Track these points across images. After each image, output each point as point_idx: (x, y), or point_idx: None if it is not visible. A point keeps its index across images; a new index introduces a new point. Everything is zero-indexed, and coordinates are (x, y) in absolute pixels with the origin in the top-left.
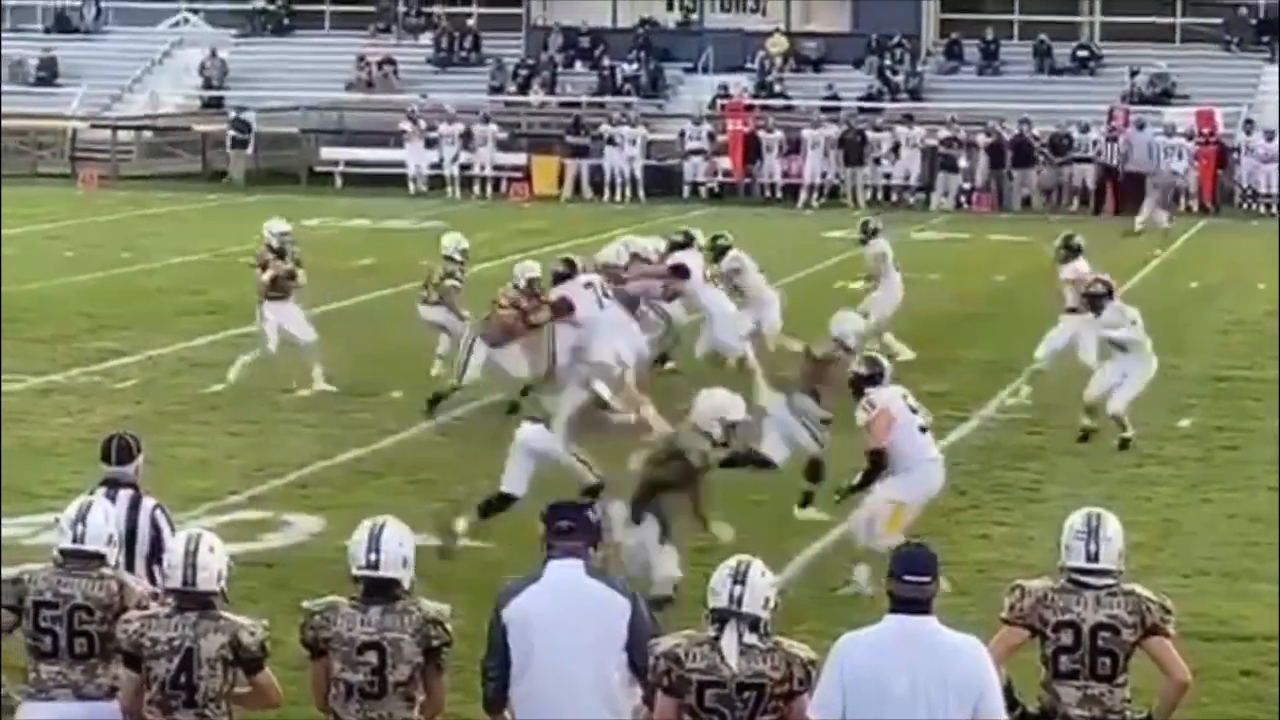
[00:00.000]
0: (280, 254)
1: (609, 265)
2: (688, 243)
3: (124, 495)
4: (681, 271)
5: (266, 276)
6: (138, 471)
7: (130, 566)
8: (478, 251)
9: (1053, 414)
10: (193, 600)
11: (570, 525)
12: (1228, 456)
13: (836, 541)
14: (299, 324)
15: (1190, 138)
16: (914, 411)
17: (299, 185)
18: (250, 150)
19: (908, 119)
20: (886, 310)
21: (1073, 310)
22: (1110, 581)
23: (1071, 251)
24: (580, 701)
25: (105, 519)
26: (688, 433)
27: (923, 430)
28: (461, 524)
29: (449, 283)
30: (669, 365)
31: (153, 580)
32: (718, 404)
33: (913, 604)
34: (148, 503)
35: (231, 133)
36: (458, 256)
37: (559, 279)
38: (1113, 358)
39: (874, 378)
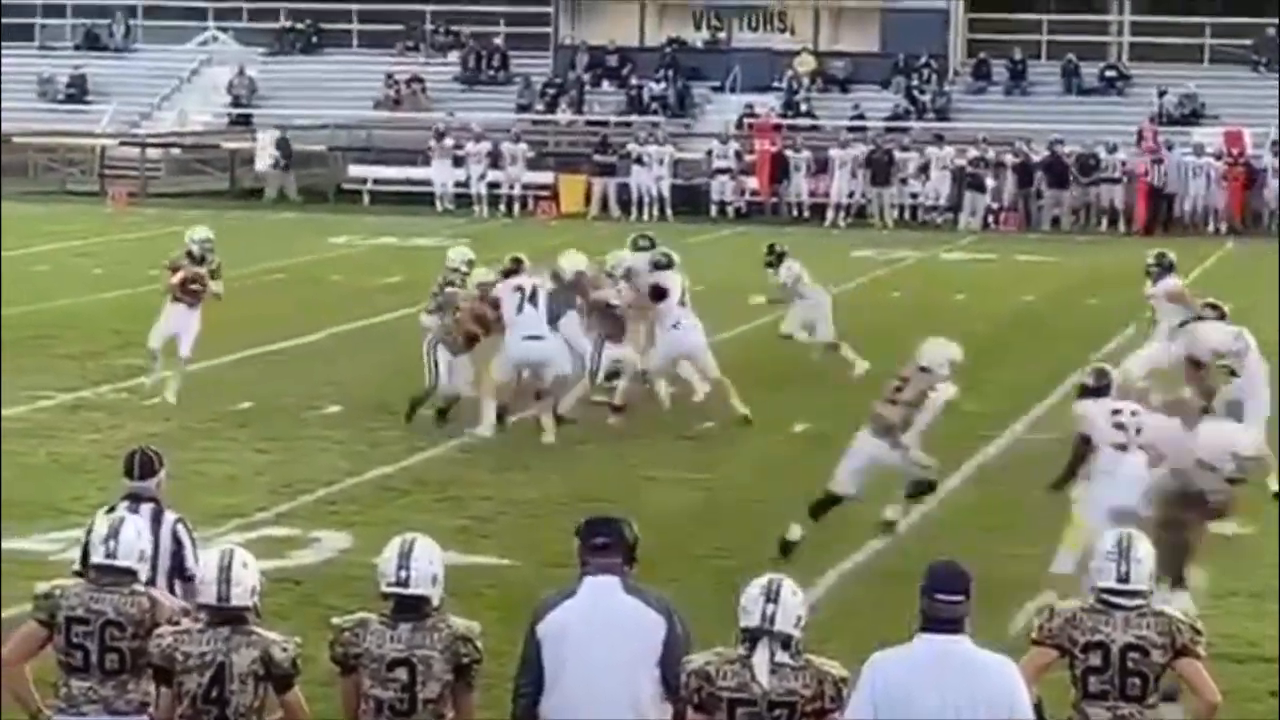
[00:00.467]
0: (199, 261)
1: (581, 274)
2: (669, 264)
3: (146, 510)
4: (658, 294)
5: (176, 279)
6: (160, 486)
7: (152, 581)
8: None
9: None
10: (226, 616)
11: (606, 541)
12: (1253, 478)
13: (860, 562)
14: (189, 335)
15: (1219, 158)
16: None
17: (326, 203)
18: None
19: (935, 139)
20: (827, 324)
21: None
22: (1140, 602)
23: (1164, 269)
24: (611, 718)
25: (137, 535)
26: (1198, 471)
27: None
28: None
29: (448, 290)
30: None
31: (174, 594)
32: (1227, 437)
33: (945, 623)
34: (169, 517)
35: (275, 153)
36: (463, 269)
37: (505, 275)
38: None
39: (1099, 390)
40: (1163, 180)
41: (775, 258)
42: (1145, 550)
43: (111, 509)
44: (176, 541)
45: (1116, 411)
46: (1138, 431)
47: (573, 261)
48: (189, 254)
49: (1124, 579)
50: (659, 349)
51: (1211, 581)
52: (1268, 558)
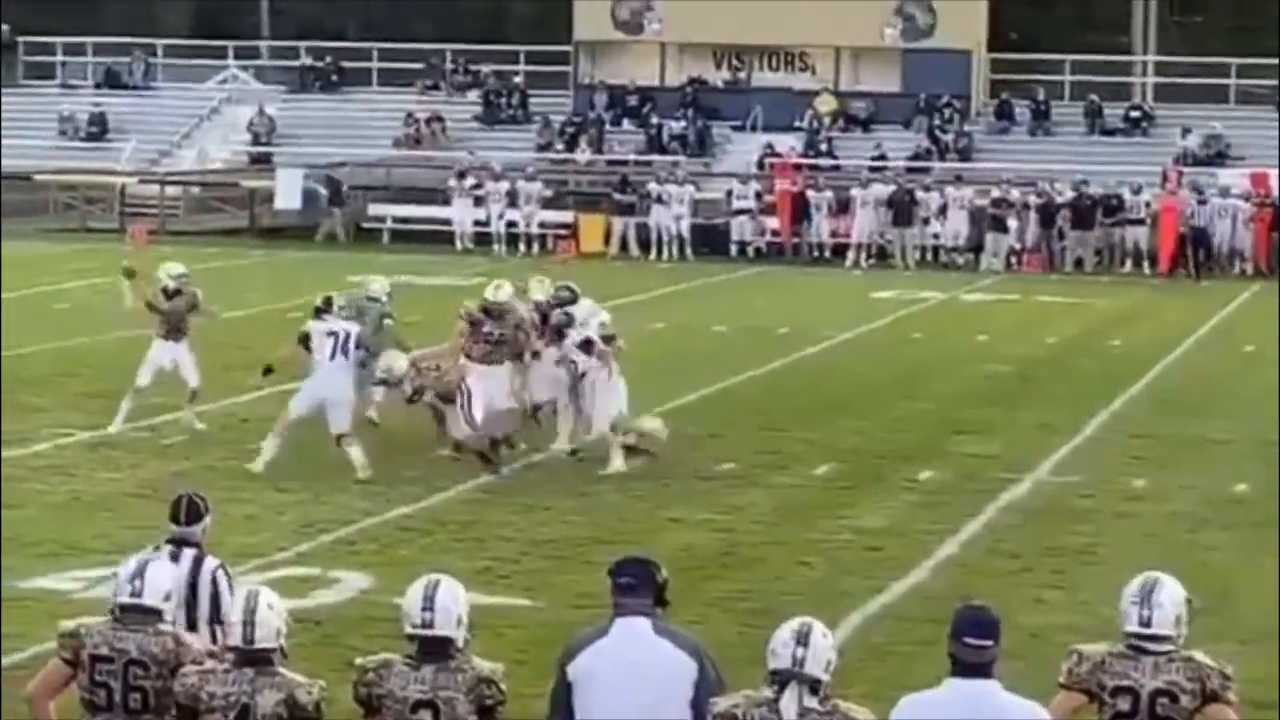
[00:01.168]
0: (174, 295)
1: (494, 303)
2: (572, 300)
3: (188, 555)
4: (559, 335)
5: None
6: (205, 532)
7: (192, 626)
8: None
9: (1104, 477)
10: (251, 657)
11: (636, 582)
12: None
13: (885, 604)
14: (188, 365)
15: (1246, 199)
16: None
17: (346, 241)
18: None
19: (957, 179)
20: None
21: None
22: (1169, 647)
23: None
24: None
25: (163, 575)
26: None
27: None
28: None
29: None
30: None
31: (214, 641)
32: None
33: (974, 667)
34: (210, 563)
35: (324, 192)
36: (383, 298)
37: (316, 314)
38: None
39: None
40: (1198, 222)
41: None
42: (1169, 594)
43: (154, 551)
44: (214, 586)
45: None
46: None
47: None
48: (163, 290)
49: (1146, 623)
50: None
51: (1239, 626)
52: (1266, 602)
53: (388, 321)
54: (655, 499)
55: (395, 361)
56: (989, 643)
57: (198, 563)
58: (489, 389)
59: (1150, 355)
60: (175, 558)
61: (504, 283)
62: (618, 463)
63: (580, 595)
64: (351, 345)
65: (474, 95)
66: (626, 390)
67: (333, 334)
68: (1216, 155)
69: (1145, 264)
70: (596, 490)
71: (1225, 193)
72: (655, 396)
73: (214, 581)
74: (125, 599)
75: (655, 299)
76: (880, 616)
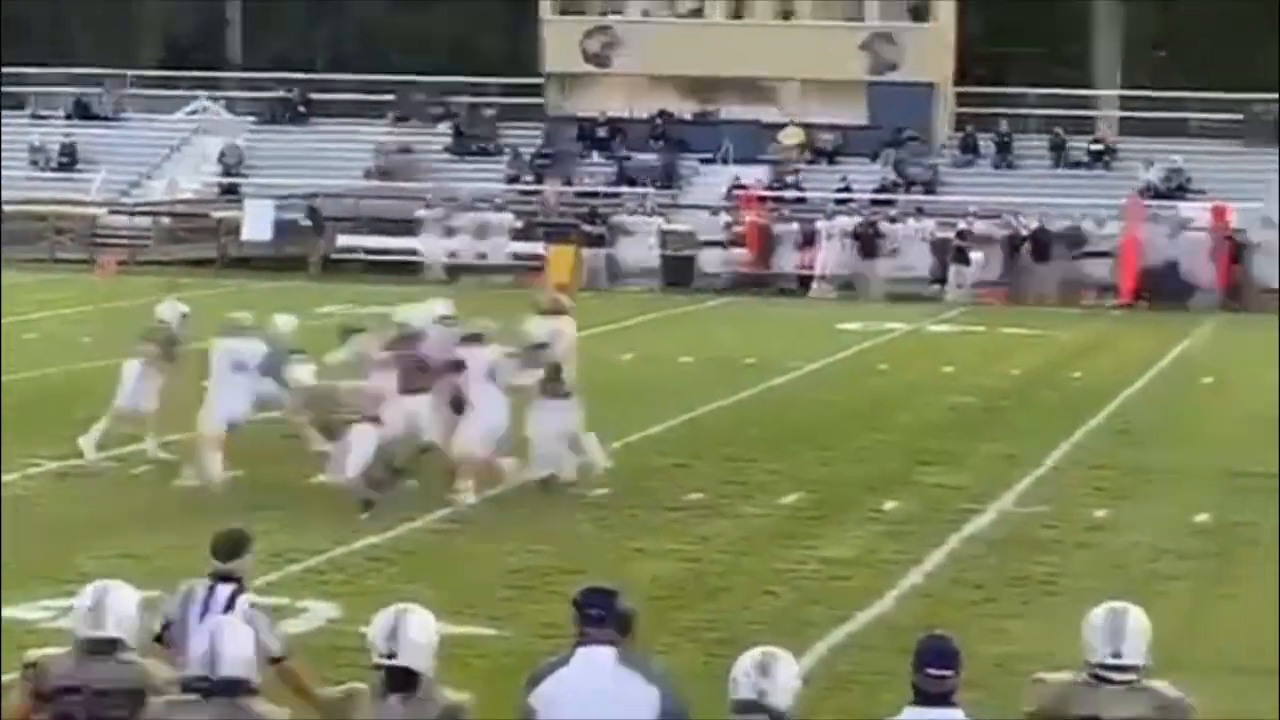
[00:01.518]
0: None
1: (406, 328)
2: (477, 338)
3: (223, 591)
4: (459, 366)
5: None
6: (248, 569)
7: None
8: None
9: (1066, 508)
10: (219, 687)
11: (599, 612)
12: (1246, 553)
13: (851, 634)
14: (149, 394)
15: (1206, 232)
16: None
17: (316, 273)
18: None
19: (919, 211)
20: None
21: None
22: (1132, 677)
23: None
24: None
25: (125, 604)
26: None
27: None
28: None
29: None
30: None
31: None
32: None
33: (935, 697)
34: (243, 601)
35: (308, 222)
36: (172, 323)
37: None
38: None
39: None
40: (1158, 254)
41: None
42: (1136, 624)
43: (190, 588)
44: (250, 624)
45: None
46: None
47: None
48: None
49: (1115, 654)
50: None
51: (1201, 657)
52: (1258, 635)
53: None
54: (622, 529)
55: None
56: (949, 673)
57: (233, 599)
58: (412, 418)
59: (1112, 387)
60: (211, 591)
61: (422, 306)
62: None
63: (547, 625)
64: (251, 363)
65: (444, 127)
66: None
67: (232, 353)
68: (1178, 189)
69: (1108, 296)
70: (564, 520)
71: (1186, 225)
72: (622, 426)
73: (249, 620)
74: (85, 631)
75: (623, 329)
76: (845, 646)
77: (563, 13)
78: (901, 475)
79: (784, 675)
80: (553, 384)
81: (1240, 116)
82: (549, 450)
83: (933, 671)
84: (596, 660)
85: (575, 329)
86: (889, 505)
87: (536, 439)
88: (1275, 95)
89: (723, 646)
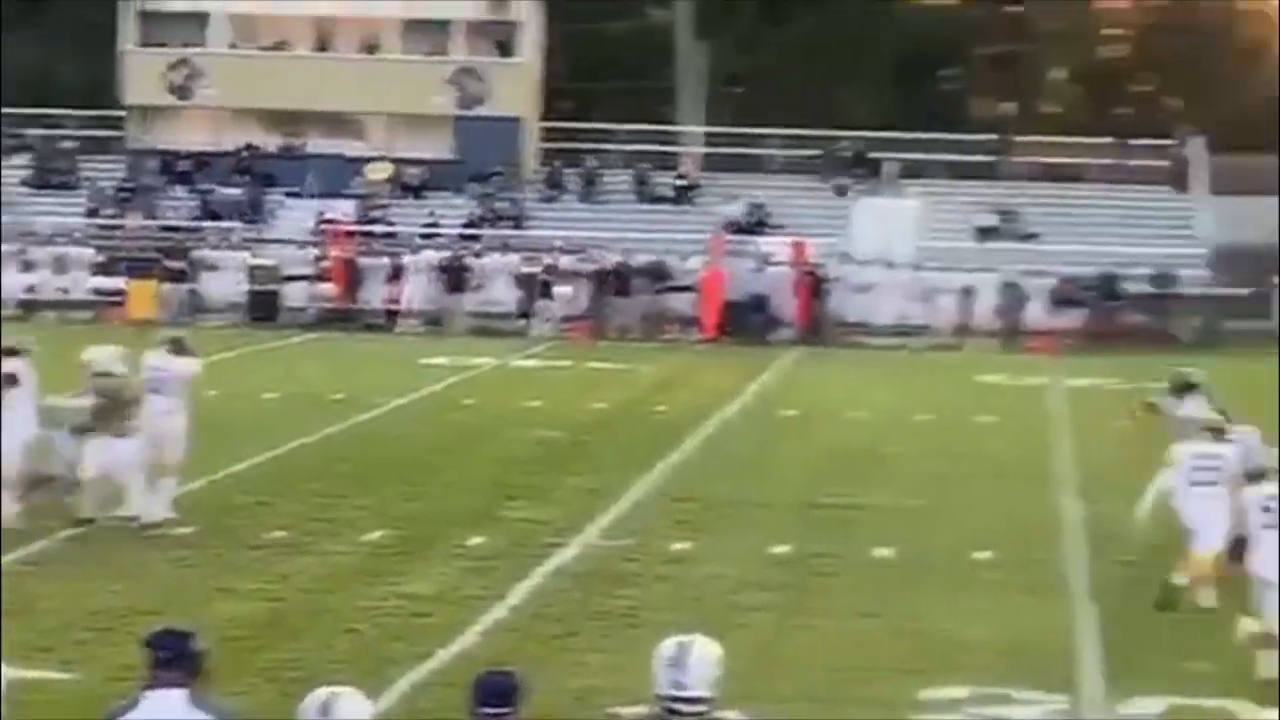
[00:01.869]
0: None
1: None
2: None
3: None
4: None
5: None
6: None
7: None
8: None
9: (648, 540)
10: None
11: (169, 654)
12: (824, 583)
13: (434, 670)
14: None
15: (786, 267)
16: None
17: None
18: None
19: (505, 246)
20: None
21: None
22: (701, 709)
23: (1187, 388)
24: None
25: None
26: None
27: None
28: None
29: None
30: None
31: None
32: None
33: None
34: None
35: None
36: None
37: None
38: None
39: None
40: (741, 289)
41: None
42: (702, 654)
43: None
44: None
45: None
46: None
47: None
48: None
49: (680, 685)
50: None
51: (778, 686)
52: (837, 665)
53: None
54: (205, 568)
55: None
56: (507, 709)
57: None
58: None
59: (695, 420)
60: None
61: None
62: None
63: (123, 668)
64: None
65: (22, 159)
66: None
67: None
68: (759, 224)
69: (691, 330)
70: (145, 560)
71: (769, 260)
72: (206, 464)
73: None
74: None
75: (207, 366)
76: (428, 683)
77: (144, 44)
78: (487, 510)
79: (346, 714)
80: (117, 422)
81: (819, 153)
82: (104, 489)
83: (489, 710)
84: (166, 703)
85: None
86: (474, 540)
87: (92, 476)
88: (853, 133)
89: (301, 686)
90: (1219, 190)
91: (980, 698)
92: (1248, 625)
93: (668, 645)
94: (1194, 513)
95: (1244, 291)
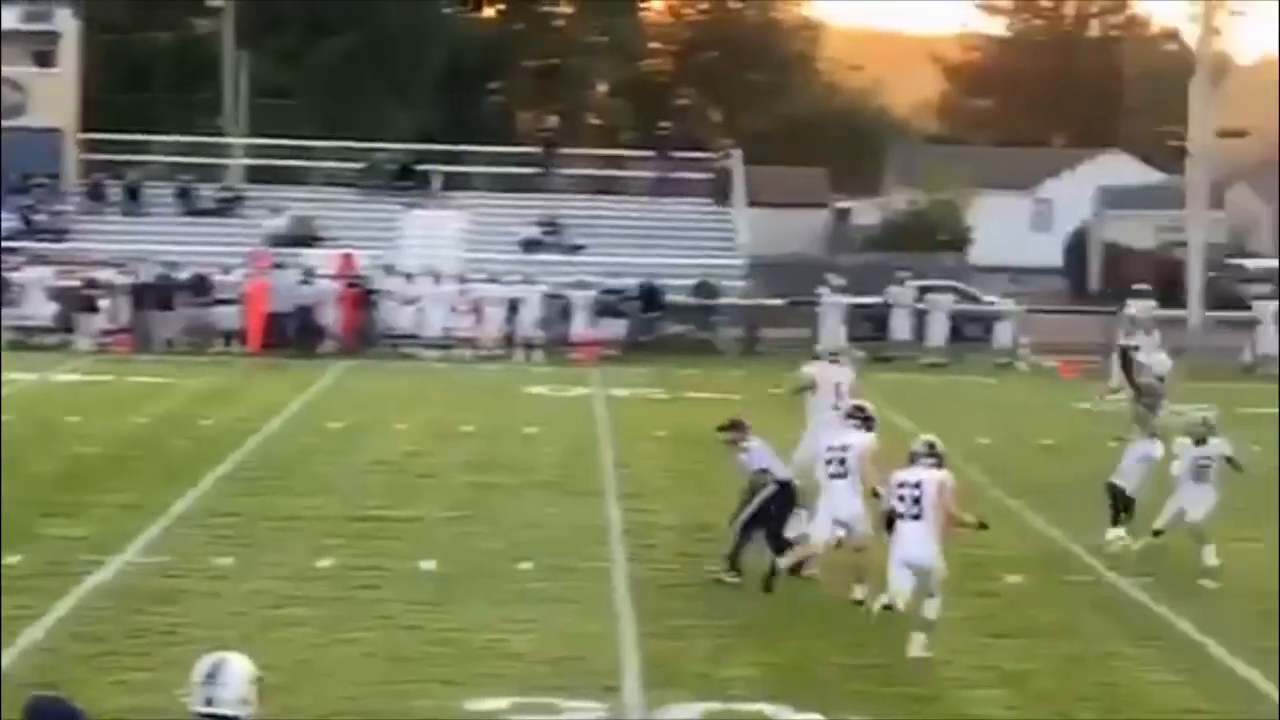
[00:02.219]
0: None
1: None
2: None
3: None
4: None
5: None
6: None
7: None
8: None
9: (190, 557)
10: None
11: None
12: (367, 595)
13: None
14: None
15: (333, 280)
16: None
17: None
18: None
19: (41, 259)
20: None
21: None
22: None
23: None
24: None
25: None
26: None
27: None
28: None
29: None
30: None
31: None
32: None
33: None
34: None
35: None
36: None
37: None
38: None
39: None
40: (286, 301)
41: None
42: (233, 672)
43: None
44: None
45: None
46: None
47: None
48: None
49: (210, 703)
50: None
51: (318, 701)
52: (376, 678)
53: None
54: None
55: None
56: None
57: None
58: None
59: (240, 433)
60: None
61: None
62: None
63: None
64: None
65: None
66: None
67: None
68: (305, 236)
69: (236, 343)
70: None
71: (315, 273)
72: None
73: None
74: None
75: None
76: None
77: None
78: (25, 528)
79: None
80: None
81: (364, 165)
82: None
83: None
84: None
85: None
86: (12, 560)
87: None
88: (396, 146)
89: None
90: (756, 202)
91: (523, 707)
92: (881, 600)
93: (203, 662)
94: (822, 502)
95: (780, 302)
